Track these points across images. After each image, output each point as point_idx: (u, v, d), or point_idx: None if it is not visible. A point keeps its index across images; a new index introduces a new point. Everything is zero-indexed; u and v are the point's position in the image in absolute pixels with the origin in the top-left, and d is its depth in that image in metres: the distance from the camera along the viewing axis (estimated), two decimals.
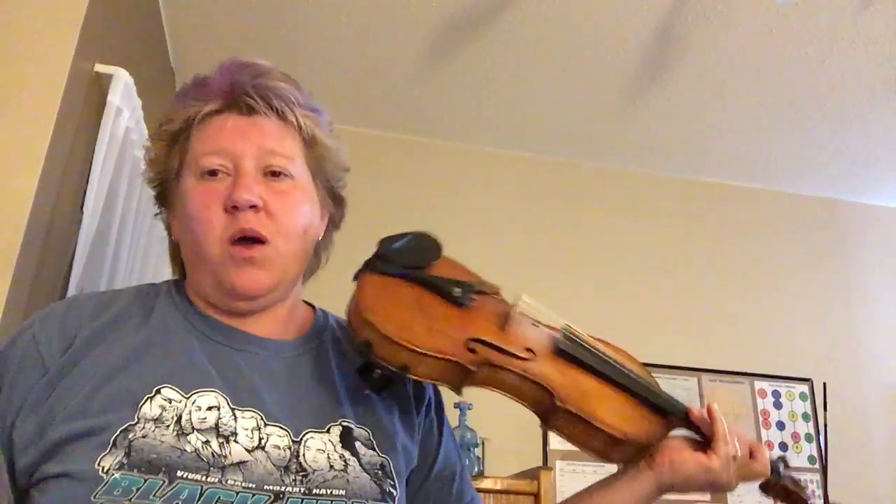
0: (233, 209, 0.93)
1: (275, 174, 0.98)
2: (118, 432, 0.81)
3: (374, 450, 0.94)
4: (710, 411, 1.09)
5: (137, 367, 0.88)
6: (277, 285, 0.97)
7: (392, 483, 0.93)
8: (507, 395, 1.00)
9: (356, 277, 1.01)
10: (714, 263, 3.49)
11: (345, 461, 0.90)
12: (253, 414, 0.89)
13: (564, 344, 1.07)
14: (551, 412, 0.98)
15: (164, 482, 0.79)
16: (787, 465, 1.18)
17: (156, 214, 1.10)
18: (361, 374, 0.95)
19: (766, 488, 1.17)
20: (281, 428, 0.89)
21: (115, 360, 0.87)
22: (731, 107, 3.15)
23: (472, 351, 0.95)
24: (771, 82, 2.99)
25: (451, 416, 2.61)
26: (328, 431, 0.92)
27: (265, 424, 0.88)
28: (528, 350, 1.02)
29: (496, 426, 2.75)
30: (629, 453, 1.03)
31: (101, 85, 1.90)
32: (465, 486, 1.10)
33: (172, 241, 1.07)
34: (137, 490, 0.78)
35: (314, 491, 0.86)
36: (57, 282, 1.78)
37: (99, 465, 0.78)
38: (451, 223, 3.29)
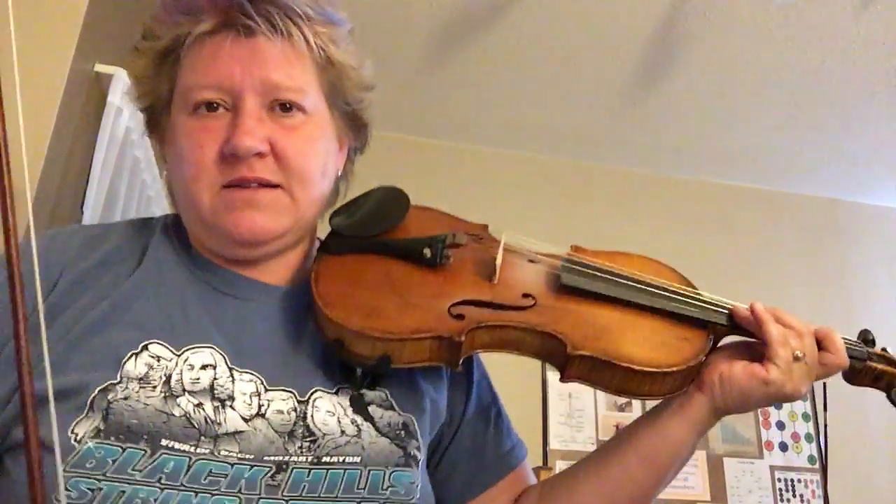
0: (231, 157, 0.79)
1: (284, 108, 0.82)
2: (96, 392, 0.70)
3: (394, 409, 0.83)
4: (753, 311, 0.89)
5: (123, 318, 0.76)
6: (287, 231, 0.83)
7: (417, 445, 0.82)
8: (514, 353, 0.86)
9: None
10: (714, 263, 3.49)
11: (357, 426, 0.79)
12: (252, 377, 0.77)
13: (568, 276, 0.89)
14: (568, 362, 0.82)
15: (146, 452, 0.69)
16: (870, 341, 0.96)
17: (149, 135, 0.95)
18: (345, 377, 0.82)
19: (852, 378, 0.96)
20: (284, 391, 0.78)
21: (100, 311, 0.75)
22: (731, 107, 3.15)
23: (460, 317, 0.82)
24: (771, 82, 2.99)
25: None
26: (337, 393, 0.81)
27: (266, 390, 0.77)
28: (527, 296, 0.87)
29: None
30: (672, 385, 0.86)
31: (100, 85, 1.89)
32: (503, 432, 0.98)
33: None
34: (114, 462, 0.67)
35: (324, 459, 0.75)
36: None
37: (72, 431, 0.68)
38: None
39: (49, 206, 1.68)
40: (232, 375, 0.77)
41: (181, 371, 0.75)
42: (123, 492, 0.67)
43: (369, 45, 3.32)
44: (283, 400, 0.77)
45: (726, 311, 0.91)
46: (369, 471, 0.77)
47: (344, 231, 0.89)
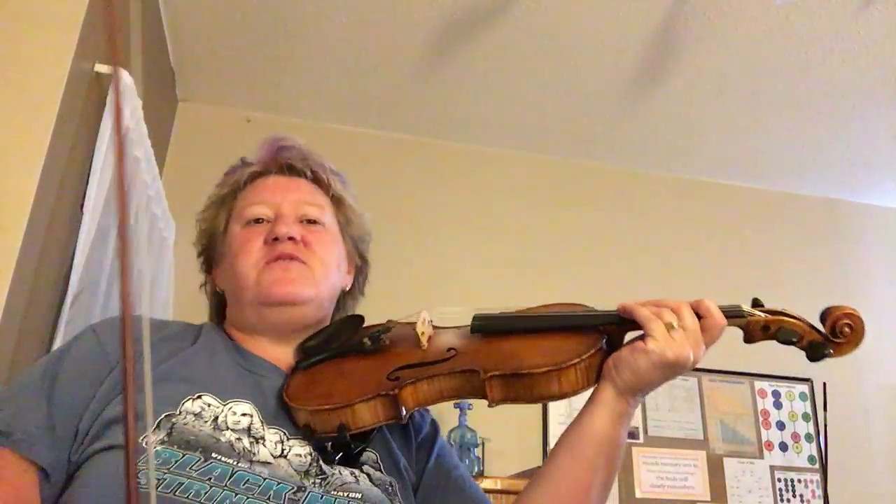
0: (273, 241, 1.07)
1: (310, 221, 1.12)
2: (162, 416, 0.90)
3: (381, 471, 1.01)
4: (622, 307, 1.03)
5: (183, 374, 0.98)
6: (311, 300, 1.08)
7: (399, 500, 1.00)
8: (451, 399, 1.02)
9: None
10: (713, 263, 3.49)
11: (356, 476, 0.98)
12: (277, 431, 0.97)
13: (475, 324, 1.08)
14: (485, 385, 0.97)
15: (200, 459, 0.88)
16: (755, 304, 1.05)
17: (202, 286, 1.23)
18: (322, 456, 0.98)
19: (746, 337, 1.05)
20: (303, 441, 0.98)
21: (167, 367, 0.97)
22: (731, 107, 3.15)
23: (396, 379, 0.99)
24: (770, 82, 2.99)
25: (452, 416, 2.63)
26: None
27: (288, 438, 0.97)
28: (450, 349, 1.05)
29: (496, 426, 2.75)
30: (578, 378, 0.98)
31: (100, 84, 1.90)
32: (468, 487, 1.12)
33: (213, 293, 1.19)
34: (176, 462, 0.86)
35: (332, 492, 0.93)
36: (57, 281, 1.78)
37: (143, 440, 0.85)
38: (450, 222, 3.29)
39: (49, 206, 1.68)
40: (263, 426, 0.97)
41: (226, 415, 0.95)
42: (181, 483, 0.85)
43: (370, 45, 3.32)
44: (302, 448, 0.97)
45: (613, 312, 1.03)
46: None
47: (310, 351, 1.09)
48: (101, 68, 1.89)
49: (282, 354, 1.09)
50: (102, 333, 1.01)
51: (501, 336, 1.06)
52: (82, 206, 1.81)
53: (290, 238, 1.08)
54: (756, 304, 1.05)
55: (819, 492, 3.17)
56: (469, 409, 2.62)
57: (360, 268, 1.23)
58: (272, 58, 2.92)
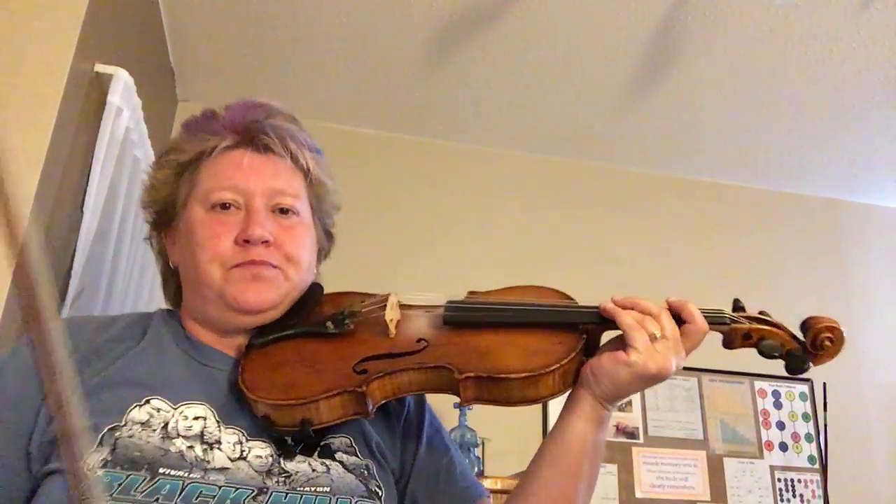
0: (244, 242, 0.98)
1: (283, 211, 1.03)
2: (105, 430, 0.84)
3: (357, 455, 0.96)
4: (603, 307, 0.99)
5: (129, 378, 0.92)
6: (279, 304, 1.01)
7: (377, 483, 0.95)
8: (422, 392, 0.98)
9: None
10: (713, 263, 3.49)
11: (326, 466, 0.92)
12: (235, 431, 0.92)
13: (448, 315, 1.01)
14: (459, 385, 0.92)
15: (146, 478, 0.82)
16: (740, 308, 1.02)
17: (146, 238, 1.14)
18: (281, 450, 0.92)
19: (726, 342, 1.02)
20: (262, 441, 0.92)
21: (110, 373, 0.92)
22: (731, 107, 3.15)
23: (363, 371, 0.93)
24: (770, 82, 2.99)
25: (451, 416, 2.63)
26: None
27: (247, 439, 0.91)
28: (420, 340, 0.99)
29: (496, 426, 2.75)
30: (556, 383, 0.94)
31: (101, 85, 1.90)
32: (457, 476, 1.07)
33: (165, 266, 1.10)
34: (119, 486, 0.81)
35: (298, 488, 0.88)
36: (57, 281, 1.78)
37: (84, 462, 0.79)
38: (450, 222, 3.29)
39: (49, 206, 1.68)
40: (219, 427, 0.91)
41: (177, 420, 0.89)
42: None
43: (369, 45, 3.32)
44: (262, 448, 0.91)
45: (593, 310, 1.00)
46: (337, 498, 0.89)
47: (267, 328, 1.02)
48: (102, 68, 1.88)
49: (237, 343, 1.02)
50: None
51: (475, 329, 1.00)
52: (82, 205, 1.81)
53: (264, 241, 0.99)
54: (737, 306, 1.03)
55: (819, 492, 3.17)
56: (469, 409, 2.62)
57: (324, 247, 1.15)
58: (272, 58, 2.92)
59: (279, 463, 0.90)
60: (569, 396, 1.00)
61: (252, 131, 1.04)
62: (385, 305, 1.03)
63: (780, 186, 3.72)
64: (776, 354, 1.00)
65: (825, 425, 3.20)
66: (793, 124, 3.25)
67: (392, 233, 3.19)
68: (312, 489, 0.89)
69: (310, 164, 1.07)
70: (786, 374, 3.47)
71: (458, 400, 0.94)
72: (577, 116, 3.25)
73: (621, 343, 0.97)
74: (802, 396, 3.34)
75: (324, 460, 0.93)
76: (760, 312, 1.03)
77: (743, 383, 3.31)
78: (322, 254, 1.14)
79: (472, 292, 1.09)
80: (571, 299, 1.05)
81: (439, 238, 3.26)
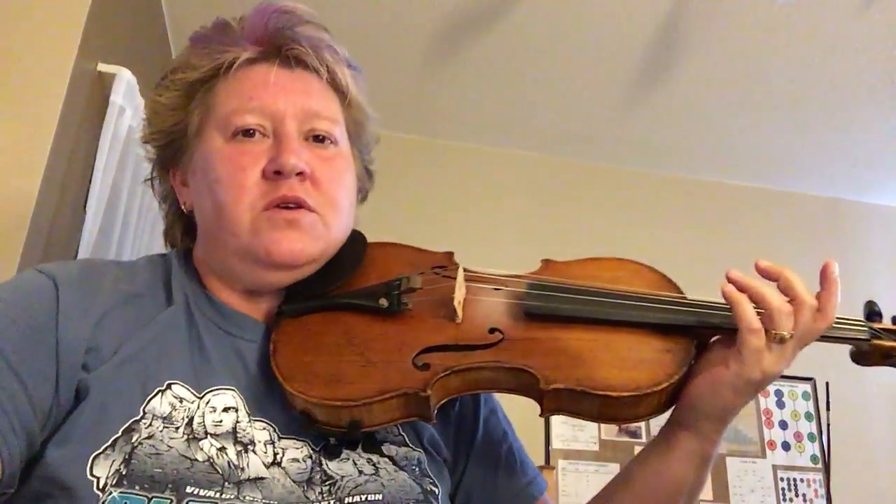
0: (275, 175, 0.80)
1: (318, 139, 0.85)
2: (119, 433, 0.69)
3: (408, 445, 0.82)
4: (724, 293, 0.80)
5: (154, 356, 0.75)
6: (319, 258, 0.84)
7: (431, 481, 0.81)
8: (491, 391, 0.83)
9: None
10: (715, 262, 3.48)
11: (374, 465, 0.78)
12: (265, 425, 0.76)
13: (533, 303, 0.83)
14: (544, 396, 0.76)
15: (171, 501, 0.67)
16: (876, 313, 0.86)
17: (146, 180, 0.94)
18: (321, 449, 0.78)
19: (860, 359, 0.87)
20: (297, 439, 0.77)
21: (137, 344, 0.75)
22: (733, 106, 3.15)
23: (426, 367, 0.77)
24: (772, 82, 2.98)
25: None
26: None
27: (279, 438, 0.76)
28: (494, 331, 0.81)
29: None
30: (658, 402, 0.79)
31: (103, 84, 1.90)
32: (517, 470, 0.93)
33: (173, 211, 0.92)
34: None
35: (346, 500, 0.73)
36: None
37: (92, 473, 0.66)
38: (453, 222, 3.29)
39: (52, 205, 1.68)
40: (250, 422, 0.76)
41: (203, 414, 0.74)
42: None
43: (371, 45, 3.33)
44: (297, 448, 0.76)
45: (719, 310, 0.82)
46: None
47: (300, 289, 0.85)
48: (104, 67, 1.89)
49: (267, 307, 0.86)
50: (66, 289, 0.74)
51: (562, 324, 0.81)
52: (85, 205, 1.81)
53: (299, 173, 0.81)
54: (873, 311, 0.88)
55: (822, 491, 3.16)
56: None
57: (364, 187, 0.99)
58: None
59: (320, 465, 0.75)
60: (664, 428, 0.83)
61: (279, 41, 0.86)
62: (453, 281, 0.85)
63: (782, 186, 3.72)
64: None
65: (828, 424, 3.20)
66: (794, 123, 3.24)
67: (392, 232, 3.18)
68: (362, 498, 0.74)
69: (349, 81, 0.90)
70: (788, 374, 3.44)
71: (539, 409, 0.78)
72: (579, 116, 3.25)
73: (723, 348, 0.79)
74: (805, 396, 3.34)
75: (370, 456, 0.78)
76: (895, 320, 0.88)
77: None
78: (360, 196, 0.97)
79: (546, 261, 0.93)
80: (675, 285, 0.88)
81: (440, 238, 3.25)
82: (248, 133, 0.82)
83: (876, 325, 0.86)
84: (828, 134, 3.30)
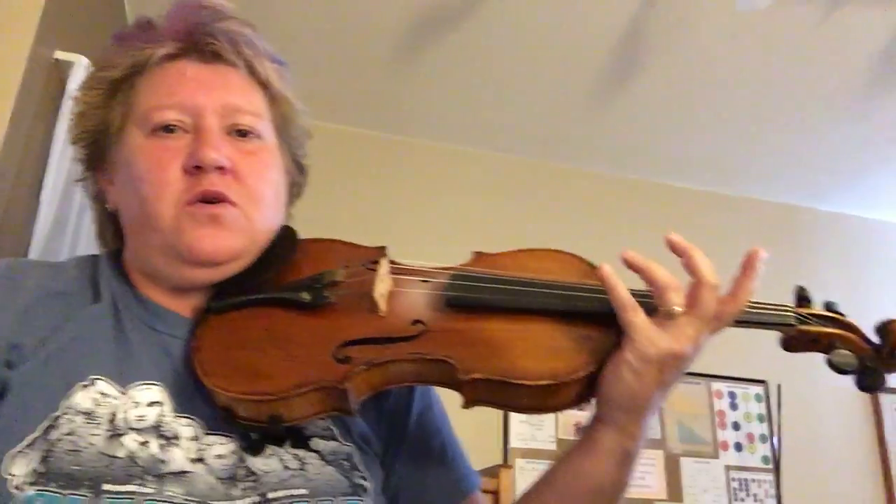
0: (195, 169, 0.79)
1: (241, 133, 0.84)
2: (38, 432, 0.69)
3: (337, 440, 0.82)
4: (598, 276, 0.79)
5: (78, 351, 0.75)
6: (243, 253, 0.83)
7: (361, 475, 0.81)
8: (418, 384, 0.85)
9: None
10: (675, 266, 3.53)
11: (300, 460, 0.78)
12: (190, 422, 0.76)
13: (454, 293, 0.83)
14: (463, 387, 0.75)
15: (87, 498, 0.66)
16: (805, 298, 0.85)
17: (77, 181, 0.94)
18: (245, 445, 0.77)
19: (789, 345, 0.87)
20: (223, 436, 0.76)
21: (60, 339, 0.75)
22: (694, 112, 3.19)
23: (346, 360, 0.76)
24: (733, 89, 3.03)
25: None
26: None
27: (205, 434, 0.76)
28: (417, 322, 0.80)
29: (455, 423, 2.74)
30: (579, 392, 0.78)
31: (60, 72, 1.86)
32: (448, 464, 0.92)
33: (102, 211, 0.91)
34: None
35: (269, 495, 0.73)
36: None
37: (8, 470, 0.66)
38: (414, 220, 3.29)
39: (6, 194, 1.65)
40: (176, 418, 0.75)
41: (126, 409, 0.73)
42: None
43: (338, 42, 3.31)
44: (223, 444, 0.76)
45: (641, 295, 0.81)
46: (317, 501, 0.75)
47: (229, 286, 0.84)
48: (62, 55, 1.85)
49: (194, 303, 0.84)
50: None
51: (484, 314, 0.81)
52: (39, 194, 1.77)
53: (219, 167, 0.80)
54: (802, 296, 0.87)
55: (772, 491, 3.22)
56: None
57: (296, 181, 0.96)
58: None
59: (244, 461, 0.75)
60: (586, 425, 0.82)
61: (197, 36, 0.86)
62: (374, 274, 0.83)
63: (741, 191, 3.78)
64: (848, 370, 0.82)
65: (779, 426, 3.26)
66: (755, 130, 3.30)
67: (356, 229, 3.17)
68: (287, 493, 0.74)
69: (270, 75, 0.89)
70: (742, 376, 3.45)
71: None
72: (544, 117, 3.27)
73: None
74: (758, 398, 3.40)
75: (297, 451, 0.78)
76: (828, 306, 0.87)
77: (700, 384, 3.36)
78: (295, 190, 0.96)
79: (478, 254, 0.93)
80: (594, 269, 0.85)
81: (403, 236, 3.25)
82: (168, 129, 0.82)
83: (803, 311, 0.85)
84: (788, 141, 3.37)
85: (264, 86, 0.89)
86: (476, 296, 0.82)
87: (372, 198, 3.26)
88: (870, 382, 0.82)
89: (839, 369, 0.82)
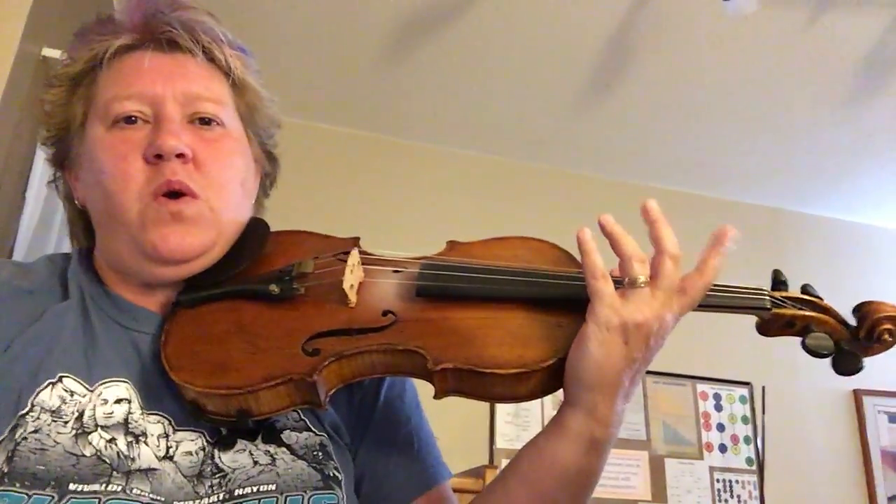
0: (155, 158, 0.78)
1: (203, 122, 0.83)
2: (6, 432, 0.68)
3: (310, 429, 0.80)
4: (578, 238, 0.80)
5: (47, 349, 0.74)
6: (212, 247, 0.82)
7: (335, 466, 0.79)
8: (391, 376, 0.84)
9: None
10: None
11: (271, 455, 0.76)
12: (160, 418, 0.75)
13: (426, 284, 0.81)
14: (434, 377, 0.75)
15: (53, 498, 0.65)
16: (781, 282, 0.85)
17: (49, 182, 0.93)
18: (214, 440, 0.76)
19: (765, 329, 0.86)
20: (193, 431, 0.75)
21: (29, 337, 0.74)
22: (681, 115, 3.21)
23: (315, 352, 0.75)
24: (720, 92, 3.05)
25: None
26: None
27: (174, 430, 0.75)
28: (387, 313, 0.79)
29: (441, 424, 2.74)
30: (549, 380, 0.77)
31: (47, 69, 1.85)
32: (414, 455, 0.89)
33: (73, 210, 0.90)
34: None
35: (237, 492, 0.72)
36: None
37: None
38: (400, 220, 3.29)
39: None
40: (144, 415, 0.74)
41: (94, 406, 0.72)
42: None
43: (328, 42, 3.30)
44: (192, 440, 0.75)
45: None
46: (286, 497, 0.73)
47: (199, 280, 0.82)
48: (49, 52, 1.84)
49: (164, 299, 0.83)
50: None
51: (455, 303, 0.80)
52: (24, 191, 1.77)
53: (179, 155, 0.78)
54: (778, 279, 0.87)
55: (756, 493, 3.25)
56: None
57: (268, 172, 0.95)
58: None
59: (212, 458, 0.74)
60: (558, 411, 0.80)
61: (153, 26, 0.84)
62: (344, 265, 0.82)
63: (727, 195, 3.80)
64: (824, 353, 0.82)
65: (763, 428, 3.28)
66: (740, 134, 3.32)
67: (342, 229, 3.16)
68: (254, 490, 0.73)
69: (231, 62, 0.86)
70: (727, 378, 3.46)
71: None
72: (531, 119, 3.28)
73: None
74: (742, 399, 3.42)
75: (268, 447, 0.77)
76: (804, 289, 0.87)
77: (685, 385, 3.38)
78: (267, 181, 0.95)
79: (451, 243, 0.93)
80: (577, 262, 0.84)
81: (390, 236, 3.26)
82: (129, 120, 0.80)
83: (778, 294, 0.85)
84: (773, 145, 3.39)
85: (227, 73, 0.87)
86: (445, 284, 0.81)
87: (358, 198, 3.26)
88: (846, 366, 0.81)
89: (815, 353, 0.82)
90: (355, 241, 0.90)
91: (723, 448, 3.32)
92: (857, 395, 3.58)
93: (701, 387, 3.40)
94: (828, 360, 0.83)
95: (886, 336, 0.80)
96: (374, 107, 3.24)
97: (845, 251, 3.91)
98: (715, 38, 2.73)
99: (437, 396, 0.76)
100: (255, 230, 0.87)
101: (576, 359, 0.74)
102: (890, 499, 3.43)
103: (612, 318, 0.73)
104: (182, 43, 0.83)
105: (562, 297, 0.80)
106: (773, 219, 3.86)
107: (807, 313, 0.84)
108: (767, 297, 0.84)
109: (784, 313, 0.83)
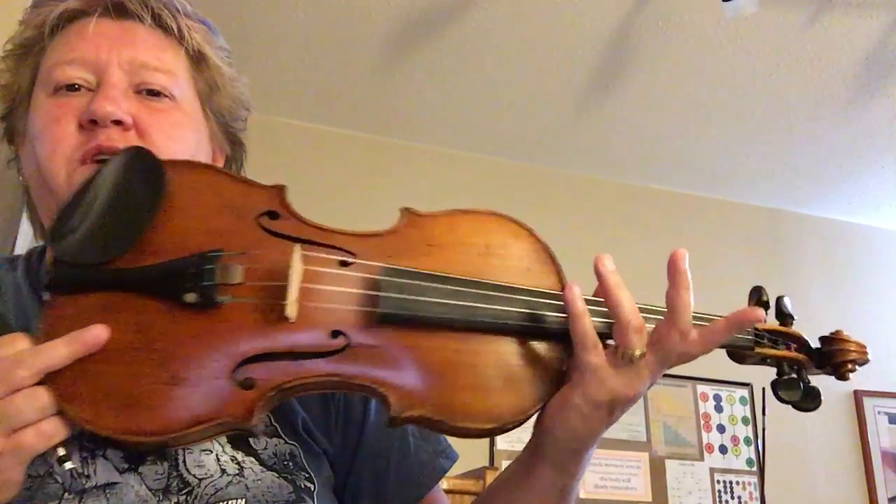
0: (90, 124, 0.72)
1: (151, 93, 0.76)
2: None
3: (279, 435, 0.73)
4: (565, 298, 0.68)
5: None
6: None
7: (307, 475, 0.73)
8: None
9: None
10: (659, 269, 3.53)
11: (238, 463, 0.69)
12: None
13: (389, 299, 0.65)
14: (392, 422, 0.63)
15: None
16: (764, 302, 0.80)
17: (9, 161, 0.87)
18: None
19: (739, 359, 0.81)
20: None
21: None
22: (681, 116, 3.21)
23: (249, 385, 0.60)
24: (720, 94, 3.05)
25: None
26: None
27: None
28: (338, 334, 0.64)
29: None
30: (522, 423, 0.69)
31: None
32: (409, 459, 0.83)
33: (27, 191, 0.83)
34: None
35: None
36: None
37: None
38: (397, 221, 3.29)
39: None
40: None
41: None
42: None
43: (327, 42, 3.30)
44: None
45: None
46: None
47: (68, 257, 0.61)
48: None
49: None
50: None
51: (422, 328, 0.66)
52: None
53: (117, 122, 0.72)
54: (761, 300, 0.81)
55: (756, 494, 3.24)
56: None
57: (230, 156, 0.87)
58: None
59: (177, 469, 0.67)
60: (524, 453, 0.76)
61: None
62: (282, 260, 0.64)
63: (727, 195, 3.80)
64: (794, 401, 0.80)
65: (763, 429, 3.28)
66: (739, 135, 3.32)
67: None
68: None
69: (186, 32, 0.80)
70: (727, 379, 3.45)
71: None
72: (530, 120, 3.28)
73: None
74: (742, 400, 3.42)
75: (235, 454, 0.69)
76: (778, 303, 0.84)
77: (685, 387, 3.37)
78: (230, 165, 0.87)
79: (407, 212, 0.77)
80: (555, 261, 0.76)
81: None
82: (71, 87, 0.75)
83: (760, 327, 0.79)
84: (772, 146, 3.39)
85: (179, 42, 0.80)
86: (414, 313, 0.65)
87: (358, 200, 3.25)
88: (806, 405, 0.80)
89: (785, 402, 0.81)
90: (281, 192, 0.71)
91: (723, 449, 3.32)
92: (858, 396, 3.57)
93: (701, 388, 3.39)
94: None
95: (849, 367, 0.82)
96: (374, 109, 3.23)
97: (845, 252, 3.91)
98: (715, 38, 2.73)
99: (390, 426, 0.65)
100: (146, 171, 0.66)
101: (555, 422, 0.69)
102: (890, 500, 3.43)
103: (601, 394, 0.67)
104: (131, 8, 0.78)
105: (547, 333, 0.69)
106: (771, 219, 3.86)
107: (780, 353, 0.80)
108: (752, 338, 0.78)
109: (762, 353, 0.79)
